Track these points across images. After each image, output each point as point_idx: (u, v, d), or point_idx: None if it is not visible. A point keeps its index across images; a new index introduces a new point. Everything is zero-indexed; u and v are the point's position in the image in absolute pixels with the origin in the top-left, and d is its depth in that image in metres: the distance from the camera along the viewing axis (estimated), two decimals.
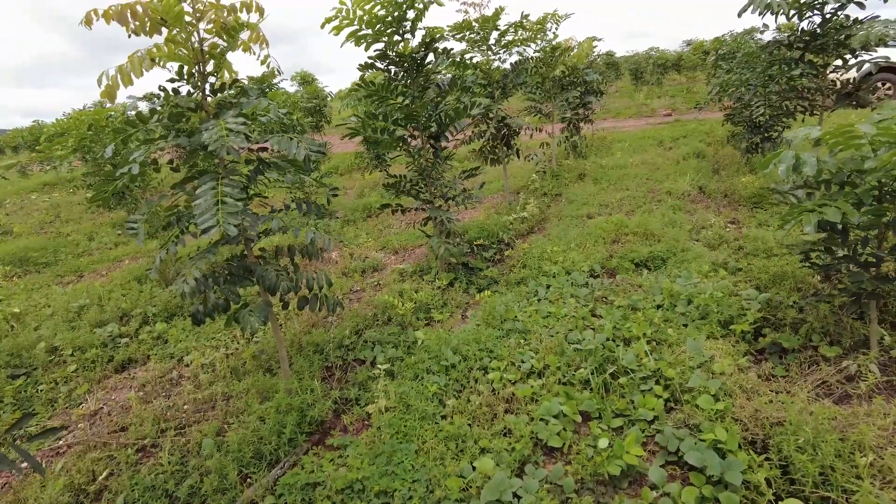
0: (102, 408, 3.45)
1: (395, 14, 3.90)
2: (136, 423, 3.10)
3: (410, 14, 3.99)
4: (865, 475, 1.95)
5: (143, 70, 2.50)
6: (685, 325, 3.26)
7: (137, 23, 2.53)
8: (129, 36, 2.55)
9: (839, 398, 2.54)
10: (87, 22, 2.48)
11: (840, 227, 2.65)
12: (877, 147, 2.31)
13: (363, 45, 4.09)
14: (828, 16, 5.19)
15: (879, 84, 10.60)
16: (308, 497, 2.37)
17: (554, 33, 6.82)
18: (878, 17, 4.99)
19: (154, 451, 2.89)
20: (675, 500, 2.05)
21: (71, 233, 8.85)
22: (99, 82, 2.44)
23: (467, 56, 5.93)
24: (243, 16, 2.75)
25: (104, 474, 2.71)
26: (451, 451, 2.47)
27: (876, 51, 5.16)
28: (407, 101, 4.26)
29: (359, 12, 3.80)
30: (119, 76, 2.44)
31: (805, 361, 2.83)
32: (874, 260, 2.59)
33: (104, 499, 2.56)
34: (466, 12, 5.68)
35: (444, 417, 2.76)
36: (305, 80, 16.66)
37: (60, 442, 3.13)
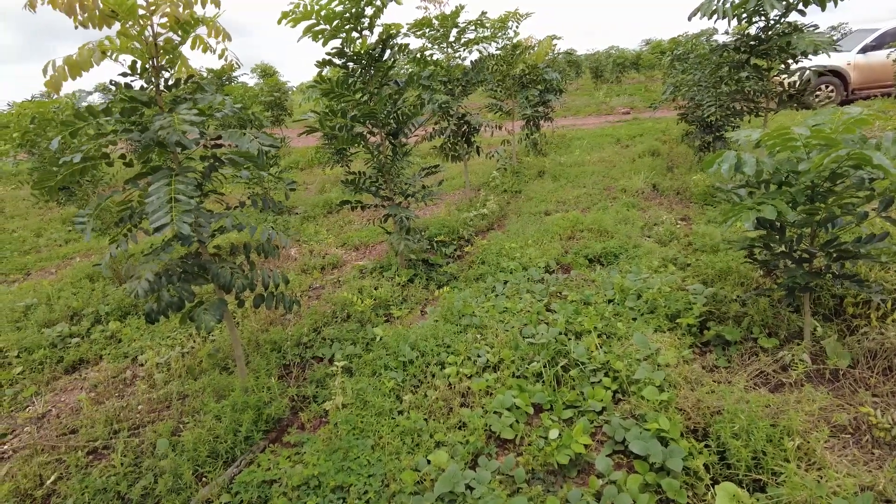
0: (51, 410, 3.36)
1: (354, 10, 3.89)
2: (87, 424, 3.03)
3: (369, 11, 3.98)
4: (792, 458, 2.09)
5: (94, 63, 2.43)
6: (634, 319, 3.38)
7: (85, 14, 2.46)
8: (76, 27, 2.48)
9: (774, 387, 2.69)
10: (31, 5, 2.40)
11: (778, 224, 2.79)
12: (810, 149, 2.45)
13: (321, 41, 4.07)
14: (771, 21, 5.42)
15: (823, 86, 11.10)
16: (264, 494, 2.37)
17: (515, 31, 6.91)
18: (816, 26, 5.25)
19: (106, 453, 2.84)
20: (620, 488, 2.14)
21: (17, 229, 8.49)
22: (44, 72, 2.36)
23: (427, 53, 5.95)
24: (198, 10, 2.71)
25: (52, 478, 2.65)
26: (407, 446, 2.52)
27: (816, 55, 5.43)
28: (365, 98, 4.26)
29: (316, 7, 3.78)
30: (67, 68, 2.37)
31: (746, 353, 2.98)
32: (807, 256, 2.75)
33: (52, 503, 2.51)
34: (426, 9, 5.71)
35: (400, 413, 2.80)
36: (266, 72, 16.33)
37: (5, 447, 3.04)
